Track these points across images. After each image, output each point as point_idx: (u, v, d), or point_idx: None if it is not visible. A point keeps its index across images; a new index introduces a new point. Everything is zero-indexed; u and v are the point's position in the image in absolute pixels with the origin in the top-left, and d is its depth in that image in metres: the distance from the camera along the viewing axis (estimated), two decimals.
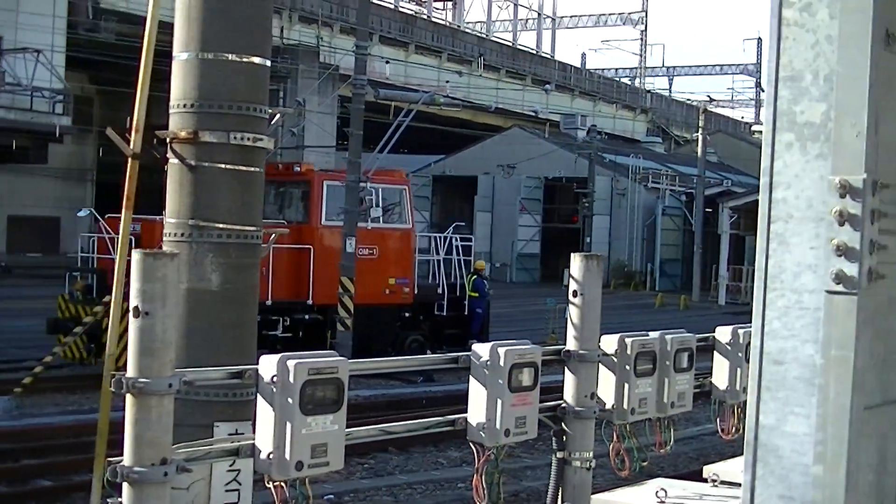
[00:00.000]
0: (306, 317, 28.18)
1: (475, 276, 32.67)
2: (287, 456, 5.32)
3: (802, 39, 3.31)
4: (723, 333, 8.58)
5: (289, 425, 5.31)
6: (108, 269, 22.56)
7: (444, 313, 31.24)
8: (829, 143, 3.24)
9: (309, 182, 29.09)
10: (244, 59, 8.00)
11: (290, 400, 5.29)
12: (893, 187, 3.34)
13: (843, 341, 3.21)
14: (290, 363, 5.31)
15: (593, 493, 7.56)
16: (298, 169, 29.61)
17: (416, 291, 30.56)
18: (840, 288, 3.20)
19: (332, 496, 15.32)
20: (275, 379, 5.32)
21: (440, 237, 33.09)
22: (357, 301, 28.64)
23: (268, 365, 5.36)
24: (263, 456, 5.39)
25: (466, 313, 31.78)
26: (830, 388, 3.24)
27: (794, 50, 3.32)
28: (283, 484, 5.45)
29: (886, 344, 3.45)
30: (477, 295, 32.26)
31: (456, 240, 32.91)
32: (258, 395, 5.42)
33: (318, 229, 28.63)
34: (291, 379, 5.29)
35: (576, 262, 7.40)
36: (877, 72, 3.21)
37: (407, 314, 30.61)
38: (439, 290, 31.24)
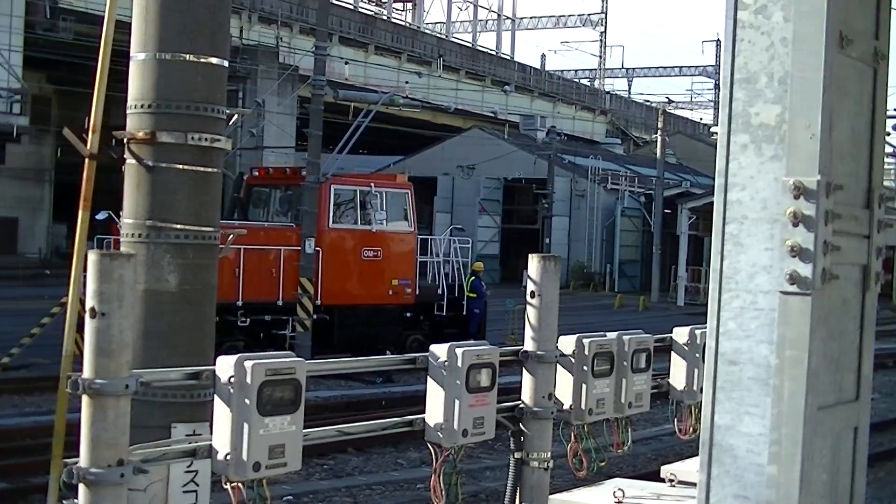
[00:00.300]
0: (314, 316, 28.73)
1: (473, 278, 33.44)
2: (244, 457, 5.31)
3: (757, 42, 3.33)
4: (680, 334, 8.62)
5: (246, 426, 5.30)
6: None
7: (444, 313, 31.96)
8: (783, 145, 3.26)
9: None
10: (202, 60, 7.97)
11: (247, 401, 5.28)
12: (847, 189, 3.36)
13: (797, 342, 3.23)
14: (248, 364, 5.30)
15: (551, 494, 7.57)
16: (306, 173, 30.11)
17: (417, 292, 31.31)
18: (794, 289, 3.22)
19: (291, 497, 15.28)
20: (232, 380, 5.30)
21: (440, 239, 34.23)
22: (362, 301, 29.63)
23: (225, 366, 5.35)
24: (221, 457, 5.38)
25: (465, 313, 32.45)
26: (785, 388, 3.25)
27: (750, 52, 3.34)
28: (240, 485, 5.44)
29: (840, 344, 3.48)
30: (475, 296, 32.94)
31: (454, 242, 34.03)
32: (215, 395, 5.40)
33: (325, 232, 29.23)
34: (249, 380, 5.28)
35: (533, 263, 7.41)
36: (830, 74, 3.23)
37: (408, 314, 31.31)
38: (439, 291, 32.07)
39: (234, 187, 31.29)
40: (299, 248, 28.32)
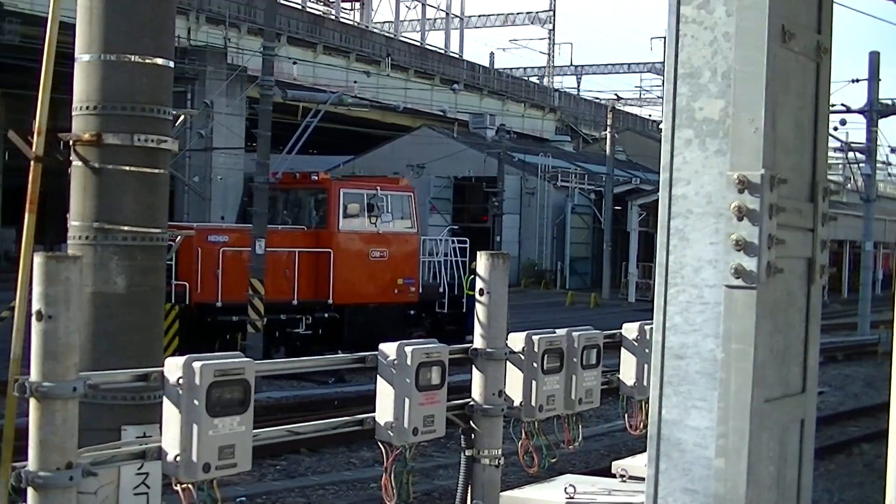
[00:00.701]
0: (326, 315, 30.27)
1: (474, 276, 32.59)
2: (194, 458, 5.29)
3: (700, 37, 3.34)
4: (630, 330, 8.65)
5: (195, 427, 5.28)
6: None
7: (445, 311, 33.59)
8: (727, 139, 3.27)
9: (326, 190, 31.08)
10: (147, 61, 7.93)
11: (196, 402, 5.27)
12: (791, 183, 3.38)
13: (742, 335, 3.25)
14: (196, 365, 5.28)
15: (502, 491, 7.58)
16: (315, 178, 31.75)
17: (420, 291, 33.14)
18: (739, 282, 3.23)
19: (244, 499, 15.23)
20: (181, 381, 5.29)
21: (440, 240, 35.98)
22: (370, 300, 31.16)
23: (174, 367, 5.33)
24: (170, 458, 5.36)
25: (464, 310, 33.18)
26: (731, 381, 3.27)
27: (693, 47, 3.35)
28: (191, 486, 5.42)
29: (786, 337, 3.49)
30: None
31: (453, 242, 35.89)
32: (164, 397, 5.38)
33: (335, 234, 30.71)
34: (197, 381, 5.26)
35: (482, 261, 7.42)
36: (773, 68, 3.25)
37: (412, 312, 32.93)
38: (440, 290, 33.87)
39: (243, 192, 34.27)
40: (311, 250, 29.94)
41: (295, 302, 29.42)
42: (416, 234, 33.31)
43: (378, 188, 31.80)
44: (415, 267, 33.00)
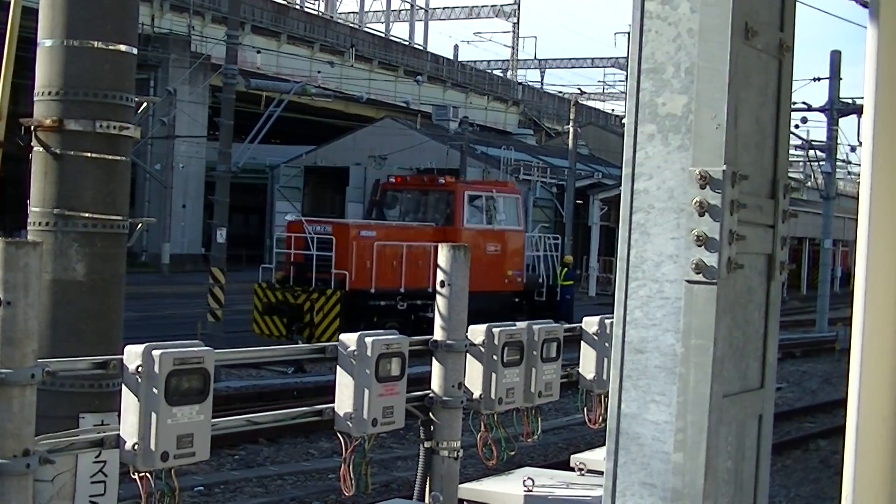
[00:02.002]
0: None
1: (566, 269, 39.57)
2: (152, 446, 5.28)
3: (664, 32, 3.35)
4: (590, 324, 8.66)
5: (154, 416, 5.26)
6: (303, 262, 31.22)
7: (542, 298, 37.98)
8: (690, 135, 3.28)
9: (453, 192, 35.06)
10: (110, 47, 7.88)
11: (155, 390, 5.25)
12: (752, 179, 3.39)
13: (702, 330, 3.26)
14: (156, 353, 5.26)
15: (461, 483, 7.59)
16: (443, 181, 35.76)
17: (525, 281, 37.45)
18: (700, 278, 3.24)
19: (202, 488, 15.19)
20: (140, 369, 5.27)
21: (538, 237, 40.44)
22: (486, 288, 33.06)
23: (133, 355, 5.31)
24: (128, 447, 5.34)
25: (558, 299, 38.41)
26: (690, 376, 3.28)
27: (657, 43, 3.36)
28: (148, 475, 5.40)
29: (745, 333, 3.51)
30: (571, 283, 39.74)
31: (548, 239, 40.57)
32: (123, 385, 5.36)
33: (461, 231, 34.27)
34: (157, 369, 5.25)
35: (443, 253, 7.42)
36: (736, 65, 3.26)
37: (517, 299, 37.16)
38: (540, 280, 38.19)
39: (371, 191, 39.32)
40: (438, 242, 32.99)
41: (430, 290, 30.41)
42: (522, 232, 37.79)
43: (494, 190, 36.48)
44: (521, 260, 37.26)
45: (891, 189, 3.46)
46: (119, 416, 5.56)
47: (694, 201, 3.23)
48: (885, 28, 3.36)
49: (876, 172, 3.38)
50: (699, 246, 3.23)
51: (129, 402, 5.33)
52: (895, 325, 3.55)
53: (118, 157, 8.02)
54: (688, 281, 3.26)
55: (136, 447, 5.30)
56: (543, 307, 36.77)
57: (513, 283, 36.78)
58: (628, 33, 3.48)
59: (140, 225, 8.50)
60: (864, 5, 3.48)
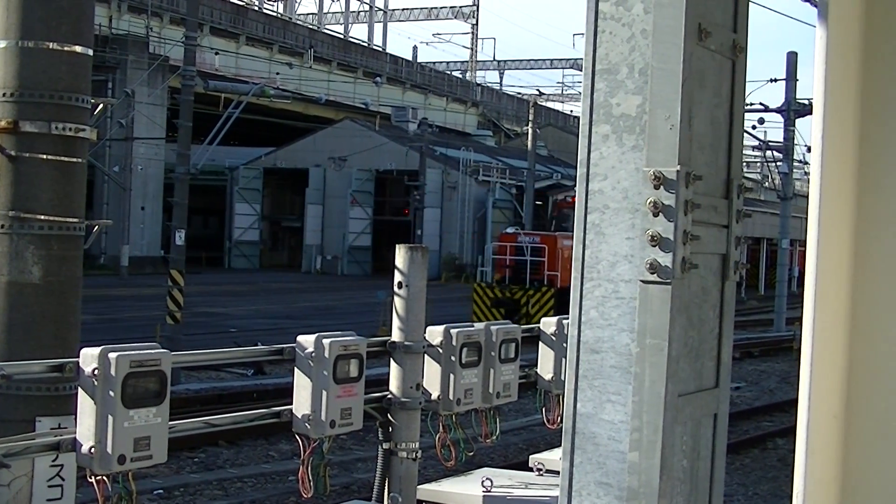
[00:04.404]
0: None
1: None
2: (109, 449, 5.25)
3: (618, 33, 3.36)
4: (548, 324, 8.68)
5: (110, 418, 5.24)
6: (515, 266, 40.01)
7: None
8: (644, 135, 3.29)
9: None
10: (66, 48, 7.85)
11: (111, 393, 5.23)
12: (706, 179, 3.41)
13: (657, 330, 3.27)
14: (112, 356, 5.24)
15: (420, 484, 7.59)
16: None
17: None
18: (654, 277, 3.25)
19: (161, 491, 15.15)
20: (96, 372, 5.24)
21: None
22: None
23: (89, 358, 5.29)
24: (85, 450, 5.31)
25: None
26: (646, 376, 3.29)
27: (611, 43, 3.37)
28: (105, 478, 5.38)
29: (699, 333, 3.52)
30: None
31: None
32: (79, 388, 5.34)
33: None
34: (113, 371, 5.22)
35: (401, 254, 7.42)
36: (689, 66, 3.27)
37: None
38: None
39: (550, 209, 49.20)
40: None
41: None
42: None
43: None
44: None
45: (839, 189, 3.48)
46: (76, 419, 5.54)
47: (648, 201, 3.24)
48: (833, 29, 3.38)
49: (825, 173, 3.40)
50: (654, 246, 3.24)
51: (86, 405, 5.30)
52: (845, 324, 3.57)
53: (74, 159, 7.99)
54: (643, 281, 3.27)
55: (92, 450, 5.27)
56: None
57: None
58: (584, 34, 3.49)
59: (97, 227, 8.48)
60: (816, 5, 3.51)
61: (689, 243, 3.29)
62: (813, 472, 3.40)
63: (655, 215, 3.24)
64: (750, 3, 3.68)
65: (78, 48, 7.97)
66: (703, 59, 3.39)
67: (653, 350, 3.28)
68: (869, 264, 3.59)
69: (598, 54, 3.39)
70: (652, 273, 3.25)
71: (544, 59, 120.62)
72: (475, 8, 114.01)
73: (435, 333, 7.61)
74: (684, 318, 3.38)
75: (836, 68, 3.40)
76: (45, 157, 7.82)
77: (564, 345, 8.46)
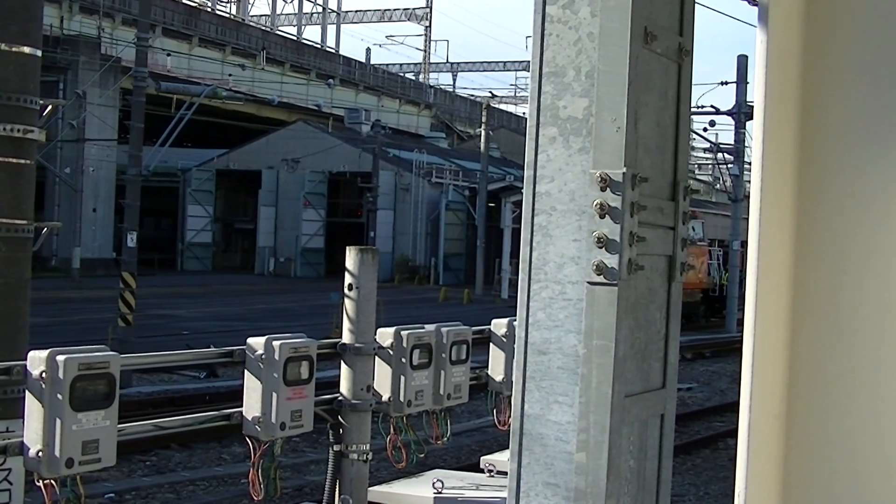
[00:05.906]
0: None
1: (727, 272, 52.42)
2: (57, 453, 5.23)
3: (565, 36, 3.37)
4: (499, 326, 8.70)
5: (58, 422, 5.21)
6: None
7: (716, 295, 52.80)
8: (590, 138, 3.31)
9: (695, 217, 48.01)
10: (13, 49, 7.81)
11: (59, 395, 5.20)
12: (652, 181, 3.43)
13: (604, 331, 3.29)
14: (60, 358, 5.22)
15: (371, 486, 7.59)
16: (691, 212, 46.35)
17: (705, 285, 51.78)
18: (601, 279, 3.27)
19: (112, 495, 15.08)
20: (44, 374, 5.22)
21: (712, 250, 54.27)
22: (691, 287, 48.01)
23: (36, 360, 5.26)
24: (32, 453, 5.28)
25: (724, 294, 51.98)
26: (593, 377, 3.31)
27: (558, 46, 3.38)
28: (53, 482, 5.35)
29: (646, 333, 3.54)
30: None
31: (719, 251, 54.36)
32: (27, 391, 5.31)
33: (701, 245, 50.44)
34: (61, 374, 5.20)
35: (351, 256, 7.42)
36: (636, 69, 3.29)
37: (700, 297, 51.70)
38: (715, 282, 53.19)
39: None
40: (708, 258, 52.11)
41: (702, 289, 51.24)
42: (707, 245, 52.62)
43: (698, 215, 50.50)
44: (707, 266, 52.06)
45: (778, 191, 3.52)
46: (23, 422, 5.51)
47: (595, 203, 3.26)
48: (773, 32, 3.41)
49: (765, 174, 3.43)
50: (600, 248, 3.26)
51: (33, 409, 5.28)
52: (785, 325, 3.61)
53: (23, 161, 7.95)
54: (589, 282, 3.29)
55: (40, 454, 5.24)
56: (717, 304, 52.70)
57: (702, 283, 51.54)
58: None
59: (46, 229, 8.44)
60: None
61: (636, 245, 3.31)
62: (755, 472, 3.43)
63: (602, 217, 3.26)
64: (696, 7, 3.70)
65: (26, 49, 7.93)
66: (649, 63, 3.41)
67: (600, 351, 3.29)
68: (809, 266, 3.62)
69: (545, 57, 3.40)
70: (599, 274, 3.27)
71: (497, 62, 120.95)
72: (428, 10, 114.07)
73: (385, 335, 7.61)
74: (631, 319, 3.40)
75: (777, 71, 3.44)
76: None
77: (515, 346, 8.46)
